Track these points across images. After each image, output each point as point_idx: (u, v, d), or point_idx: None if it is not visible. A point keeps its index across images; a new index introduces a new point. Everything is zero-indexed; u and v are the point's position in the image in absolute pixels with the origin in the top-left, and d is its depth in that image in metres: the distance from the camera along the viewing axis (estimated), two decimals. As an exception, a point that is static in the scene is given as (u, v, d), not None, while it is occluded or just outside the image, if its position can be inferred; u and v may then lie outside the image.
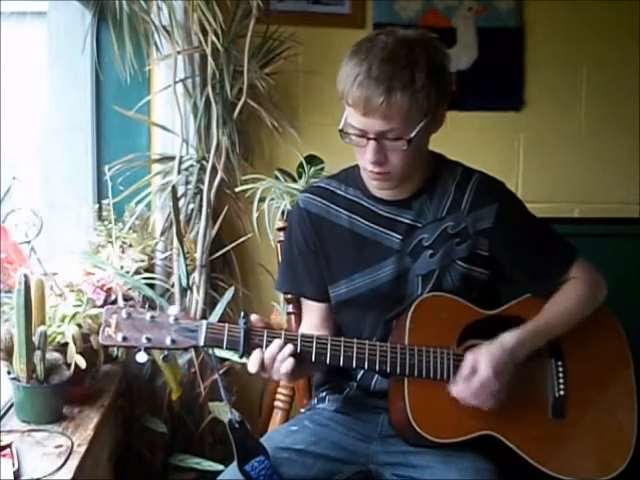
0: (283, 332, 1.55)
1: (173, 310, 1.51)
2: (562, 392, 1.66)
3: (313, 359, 1.54)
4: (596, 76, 2.71)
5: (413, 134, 1.55)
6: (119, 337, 1.48)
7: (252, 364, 1.52)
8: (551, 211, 2.61)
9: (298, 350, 1.53)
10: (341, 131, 1.60)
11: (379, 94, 1.50)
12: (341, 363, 1.56)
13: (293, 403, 2.12)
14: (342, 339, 1.57)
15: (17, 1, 2.33)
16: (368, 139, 1.56)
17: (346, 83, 1.55)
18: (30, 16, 2.42)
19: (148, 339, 1.48)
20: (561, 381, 1.66)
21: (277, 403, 2.14)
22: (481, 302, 1.67)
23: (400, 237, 1.68)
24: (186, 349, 1.56)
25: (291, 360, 1.51)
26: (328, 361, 1.55)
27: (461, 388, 1.56)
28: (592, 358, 1.70)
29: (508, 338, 1.59)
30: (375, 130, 1.55)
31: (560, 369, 1.67)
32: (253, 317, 1.55)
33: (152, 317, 1.50)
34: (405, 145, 1.55)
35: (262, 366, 1.52)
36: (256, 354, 1.52)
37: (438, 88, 1.56)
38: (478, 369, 1.55)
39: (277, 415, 2.13)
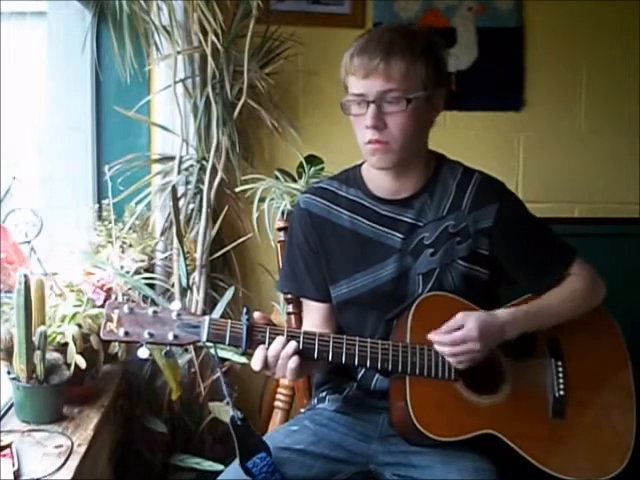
0: (285, 329, 1.55)
1: (175, 306, 1.51)
2: (562, 392, 1.66)
3: (315, 356, 1.54)
4: (596, 76, 2.70)
5: (412, 95, 1.57)
6: (121, 332, 1.47)
7: (255, 362, 1.52)
8: (551, 211, 2.61)
9: (300, 347, 1.52)
10: (342, 104, 1.62)
11: (378, 54, 1.56)
12: (343, 360, 1.56)
13: (293, 403, 2.12)
14: (344, 337, 1.57)
15: (17, 1, 2.33)
16: (368, 104, 1.58)
17: (348, 57, 1.61)
18: (30, 16, 2.42)
19: (150, 334, 1.47)
20: (561, 381, 1.66)
21: (277, 403, 2.14)
22: (481, 302, 1.67)
23: (401, 236, 1.68)
24: (189, 344, 1.55)
25: (295, 358, 1.51)
26: (330, 358, 1.55)
27: (442, 336, 1.57)
28: (591, 359, 1.71)
29: (501, 312, 1.62)
30: (374, 91, 1.57)
31: (560, 369, 1.67)
32: (256, 314, 1.54)
33: (154, 312, 1.49)
34: (404, 106, 1.57)
35: (265, 363, 1.52)
36: (259, 352, 1.52)
37: (436, 66, 1.61)
38: (465, 325, 1.56)
39: (277, 415, 2.13)
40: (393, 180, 1.68)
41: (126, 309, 1.48)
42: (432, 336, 1.57)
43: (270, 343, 1.52)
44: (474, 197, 1.68)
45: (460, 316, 1.58)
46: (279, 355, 1.51)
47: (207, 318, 1.51)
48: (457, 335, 1.56)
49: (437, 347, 1.57)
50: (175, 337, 1.48)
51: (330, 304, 1.76)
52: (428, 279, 1.67)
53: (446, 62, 1.67)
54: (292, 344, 1.51)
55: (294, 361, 1.51)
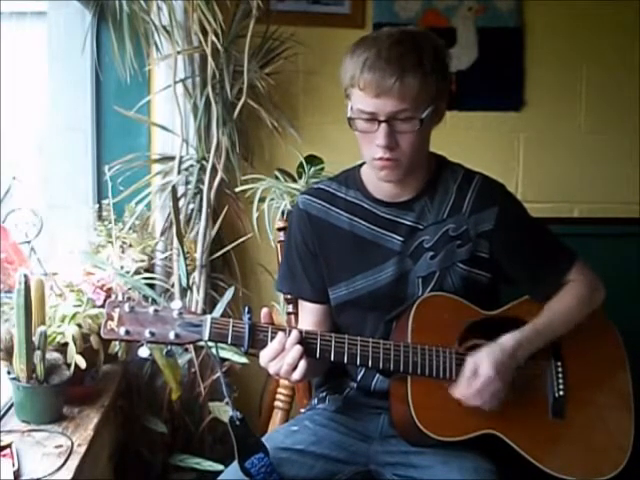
0: (287, 328, 1.54)
1: (177, 304, 1.50)
2: (562, 392, 1.66)
3: (317, 355, 1.54)
4: (596, 76, 2.70)
5: (424, 115, 1.56)
6: (122, 331, 1.46)
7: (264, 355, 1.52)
8: (551, 211, 2.62)
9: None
10: (350, 119, 1.60)
11: (391, 74, 1.51)
12: (345, 360, 1.55)
13: (293, 403, 2.12)
14: (346, 336, 1.56)
15: (17, 1, 2.33)
16: (379, 122, 1.55)
17: (355, 69, 1.55)
18: (30, 16, 2.42)
19: (152, 333, 1.46)
20: (561, 382, 1.67)
21: (277, 403, 2.14)
22: (481, 303, 1.67)
23: (401, 239, 1.68)
24: (190, 344, 1.54)
25: (299, 347, 1.50)
26: (332, 357, 1.54)
27: (464, 389, 1.56)
28: (591, 360, 1.71)
29: (508, 340, 1.60)
30: (387, 111, 1.54)
31: (560, 370, 1.68)
32: (263, 311, 1.54)
33: (155, 311, 1.48)
34: (418, 125, 1.55)
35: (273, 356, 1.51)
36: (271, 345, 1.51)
37: (443, 77, 1.59)
38: (479, 370, 1.55)
39: (277, 415, 2.13)
40: (394, 184, 1.68)
41: (127, 308, 1.48)
42: (455, 393, 1.57)
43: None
44: (474, 200, 1.68)
45: (471, 362, 1.56)
46: (284, 346, 1.50)
47: (209, 317, 1.50)
48: (477, 385, 1.55)
49: (465, 403, 1.56)
50: (176, 336, 1.47)
51: (326, 305, 1.76)
52: (428, 282, 1.67)
53: (450, 69, 1.64)
54: (294, 333, 1.51)
55: (298, 350, 1.49)
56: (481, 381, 1.55)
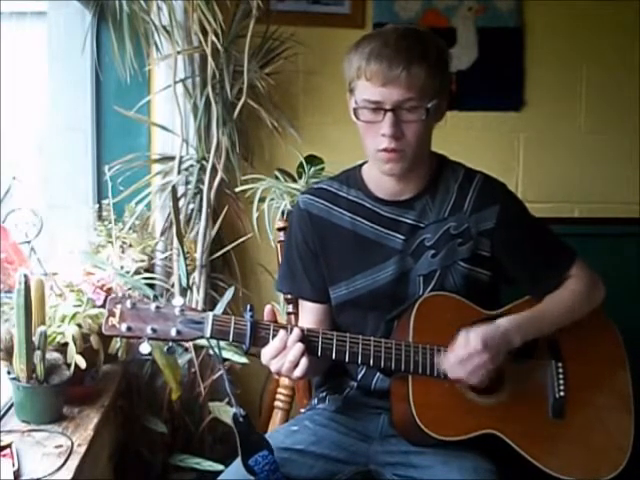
0: (289, 326, 1.54)
1: (178, 301, 1.50)
2: (562, 393, 1.66)
3: (319, 353, 1.54)
4: (596, 76, 2.71)
5: (430, 105, 1.56)
6: (123, 327, 1.46)
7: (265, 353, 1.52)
8: (551, 211, 2.62)
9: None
10: (354, 110, 1.60)
11: (398, 63, 1.53)
12: (346, 359, 1.55)
13: (293, 403, 2.12)
14: (347, 335, 1.56)
15: (17, 1, 2.33)
16: (385, 112, 1.56)
17: (361, 60, 1.56)
18: (30, 16, 2.42)
19: (153, 330, 1.46)
20: (561, 382, 1.67)
21: (277, 403, 2.14)
22: (482, 303, 1.67)
23: (403, 237, 1.68)
24: (192, 340, 1.54)
25: (300, 345, 1.50)
26: (334, 356, 1.54)
27: (450, 359, 1.56)
28: (591, 360, 1.71)
29: (503, 321, 1.61)
30: (393, 100, 1.55)
31: (560, 370, 1.68)
32: (267, 308, 1.54)
33: (157, 308, 1.48)
34: (424, 115, 1.56)
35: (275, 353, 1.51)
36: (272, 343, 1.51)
37: (445, 74, 1.61)
38: (467, 341, 1.55)
39: (277, 415, 2.13)
40: (395, 182, 1.68)
41: (129, 304, 1.47)
42: (441, 364, 1.56)
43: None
44: (476, 199, 1.68)
45: (461, 335, 1.57)
46: (286, 344, 1.50)
47: (210, 314, 1.50)
48: (463, 354, 1.54)
49: (451, 374, 1.56)
50: (178, 333, 1.47)
51: (326, 305, 1.76)
52: (429, 280, 1.67)
53: (450, 69, 1.66)
54: (296, 330, 1.51)
55: (300, 347, 1.49)
56: (467, 351, 1.54)
